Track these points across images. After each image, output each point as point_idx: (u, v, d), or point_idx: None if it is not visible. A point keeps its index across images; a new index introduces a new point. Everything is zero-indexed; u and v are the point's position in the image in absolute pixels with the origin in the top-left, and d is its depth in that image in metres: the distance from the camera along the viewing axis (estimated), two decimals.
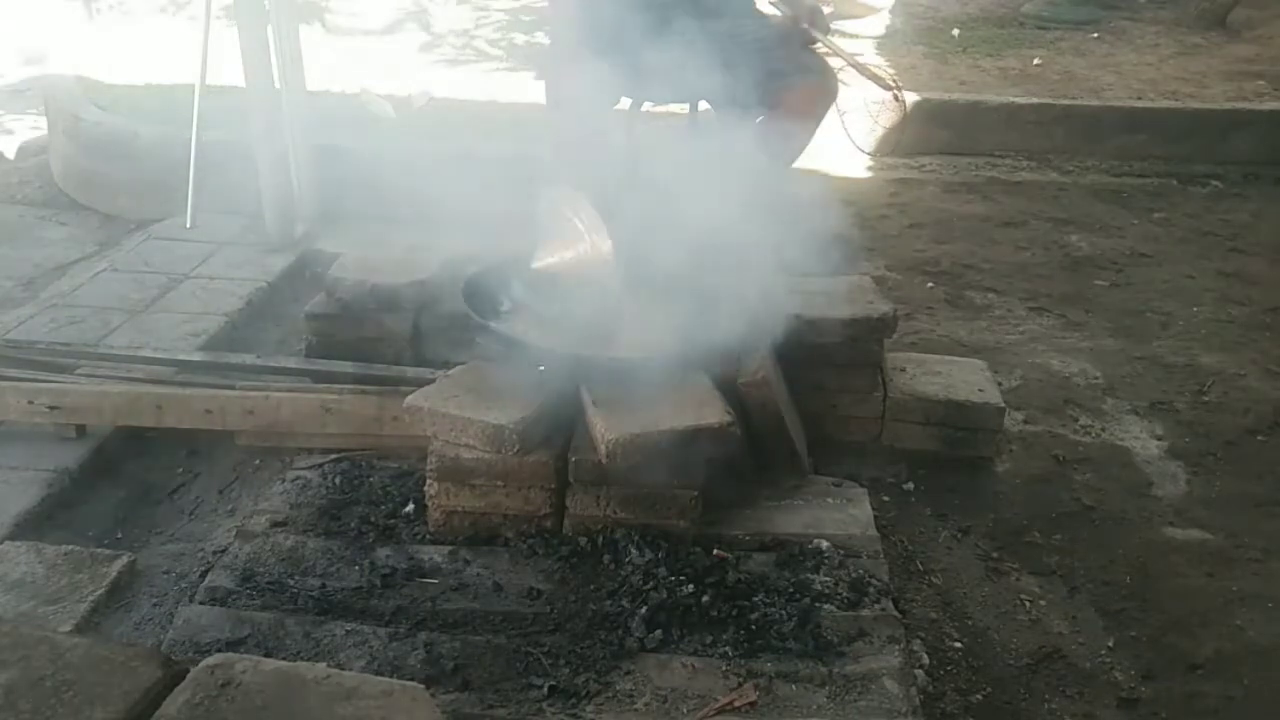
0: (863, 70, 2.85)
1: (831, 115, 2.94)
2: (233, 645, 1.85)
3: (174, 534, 2.34)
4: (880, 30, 6.58)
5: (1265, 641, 2.09)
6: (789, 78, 2.75)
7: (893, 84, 2.86)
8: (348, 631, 1.89)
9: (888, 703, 1.76)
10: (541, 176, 2.58)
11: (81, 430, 2.51)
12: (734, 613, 1.92)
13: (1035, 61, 5.95)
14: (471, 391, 2.16)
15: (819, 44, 2.89)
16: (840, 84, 2.92)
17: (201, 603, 1.97)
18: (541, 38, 6.03)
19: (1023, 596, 2.22)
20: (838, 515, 2.24)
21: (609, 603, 1.95)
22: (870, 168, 4.89)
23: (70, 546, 2.14)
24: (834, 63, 2.96)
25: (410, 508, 2.24)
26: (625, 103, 3.39)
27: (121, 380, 2.57)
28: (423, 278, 2.64)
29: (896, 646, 1.88)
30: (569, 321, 2.36)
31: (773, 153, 2.73)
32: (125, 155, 4.09)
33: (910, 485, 2.54)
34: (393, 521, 2.21)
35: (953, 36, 6.48)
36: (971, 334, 3.32)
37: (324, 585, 2.01)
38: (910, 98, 5.02)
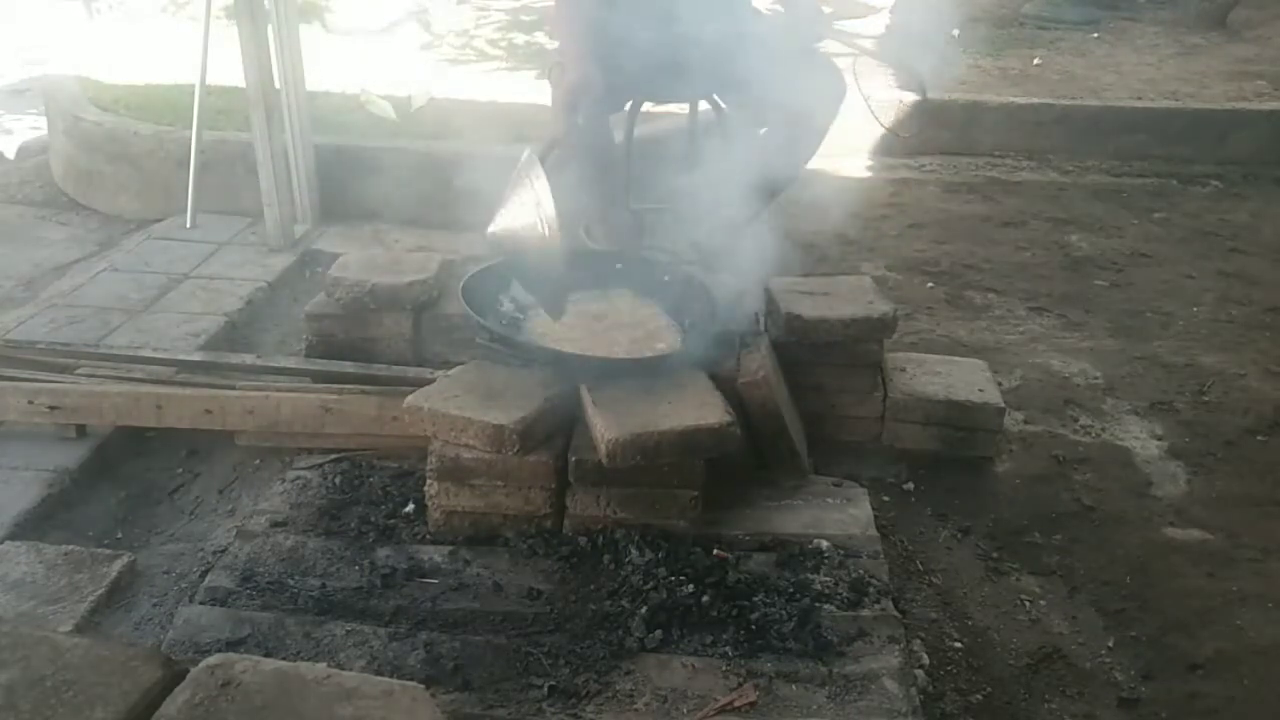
0: (883, 59, 2.84)
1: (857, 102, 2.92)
2: (233, 645, 1.85)
3: (174, 534, 2.34)
4: (880, 30, 6.58)
5: (1265, 641, 2.09)
6: (796, 79, 2.75)
7: (918, 79, 2.85)
8: (348, 631, 1.89)
9: (888, 703, 1.76)
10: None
11: (81, 430, 2.51)
12: (734, 613, 1.92)
13: (1035, 61, 5.95)
14: (471, 391, 2.16)
15: (830, 41, 2.88)
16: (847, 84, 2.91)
17: (201, 603, 1.97)
18: (542, 37, 6.03)
19: (1023, 596, 2.22)
20: (838, 515, 2.24)
21: (609, 603, 1.95)
22: (870, 167, 4.89)
23: (70, 546, 2.14)
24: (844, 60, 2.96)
25: (410, 508, 2.24)
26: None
27: (121, 380, 2.57)
28: (423, 278, 2.64)
29: (896, 646, 1.88)
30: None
31: (783, 157, 2.72)
32: (125, 155, 4.09)
33: (910, 485, 2.54)
34: (393, 521, 2.21)
35: (953, 36, 6.47)
36: (971, 334, 3.32)
37: (324, 585, 2.01)
38: (911, 96, 5.04)
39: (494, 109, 4.51)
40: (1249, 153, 4.93)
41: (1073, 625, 2.14)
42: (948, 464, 2.57)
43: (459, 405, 2.10)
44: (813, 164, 4.68)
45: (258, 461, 2.54)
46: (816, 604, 1.96)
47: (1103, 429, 2.81)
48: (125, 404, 2.48)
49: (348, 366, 2.60)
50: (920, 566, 2.29)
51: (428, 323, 2.67)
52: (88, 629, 1.94)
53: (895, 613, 1.98)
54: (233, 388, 2.53)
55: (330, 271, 2.69)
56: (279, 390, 2.50)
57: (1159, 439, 2.77)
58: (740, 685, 1.78)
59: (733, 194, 2.56)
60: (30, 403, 2.47)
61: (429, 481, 2.15)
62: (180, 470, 2.55)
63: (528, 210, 2.25)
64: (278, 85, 3.60)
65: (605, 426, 2.02)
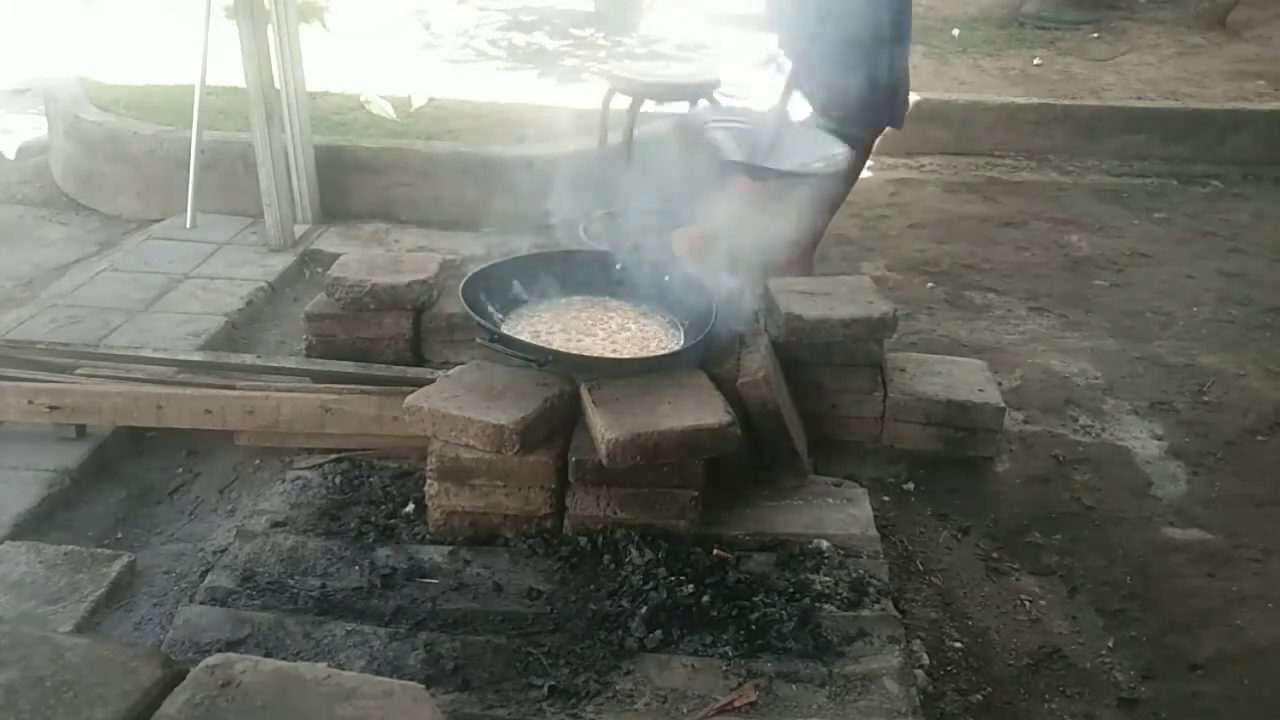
0: None
1: None
2: (233, 645, 1.85)
3: (174, 534, 2.34)
4: None
5: (1265, 641, 2.09)
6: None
7: None
8: (348, 631, 1.89)
9: (888, 703, 1.76)
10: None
11: (81, 430, 2.51)
12: (734, 613, 1.92)
13: (1035, 61, 5.96)
14: (471, 391, 2.16)
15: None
16: None
17: (201, 603, 1.97)
18: (542, 37, 6.04)
19: (1023, 596, 2.22)
20: (838, 515, 2.24)
21: (609, 603, 1.95)
22: (870, 167, 4.88)
23: (70, 546, 2.14)
24: None
25: (410, 508, 2.24)
26: (625, 101, 3.40)
27: (121, 380, 2.57)
28: (423, 278, 2.64)
29: (896, 646, 1.88)
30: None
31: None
32: (125, 155, 4.09)
33: (910, 485, 2.54)
34: (393, 521, 2.21)
35: (953, 36, 6.48)
36: (971, 334, 3.32)
37: (324, 585, 2.01)
38: (911, 97, 5.04)
39: (494, 109, 4.52)
40: (1249, 153, 4.94)
41: (1073, 625, 2.14)
42: (948, 464, 2.57)
43: (459, 405, 2.10)
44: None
45: (258, 461, 2.54)
46: (816, 604, 1.96)
47: (1103, 429, 2.81)
48: (125, 404, 2.48)
49: (348, 366, 2.60)
50: (920, 566, 2.29)
51: (428, 323, 2.67)
52: (88, 629, 1.94)
53: (895, 613, 1.98)
54: (233, 388, 2.52)
55: (330, 271, 2.69)
56: (279, 390, 2.50)
57: (1159, 439, 2.77)
58: (740, 685, 1.78)
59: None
60: (30, 403, 2.46)
61: (429, 481, 2.15)
62: (180, 470, 2.55)
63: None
64: (278, 85, 3.60)
65: (605, 426, 2.02)
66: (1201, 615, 2.16)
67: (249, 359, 2.73)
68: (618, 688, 1.77)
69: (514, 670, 1.81)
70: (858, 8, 2.61)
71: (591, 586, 2.00)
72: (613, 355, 2.32)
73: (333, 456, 2.44)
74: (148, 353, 2.74)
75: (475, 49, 5.77)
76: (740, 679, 1.79)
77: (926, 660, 1.99)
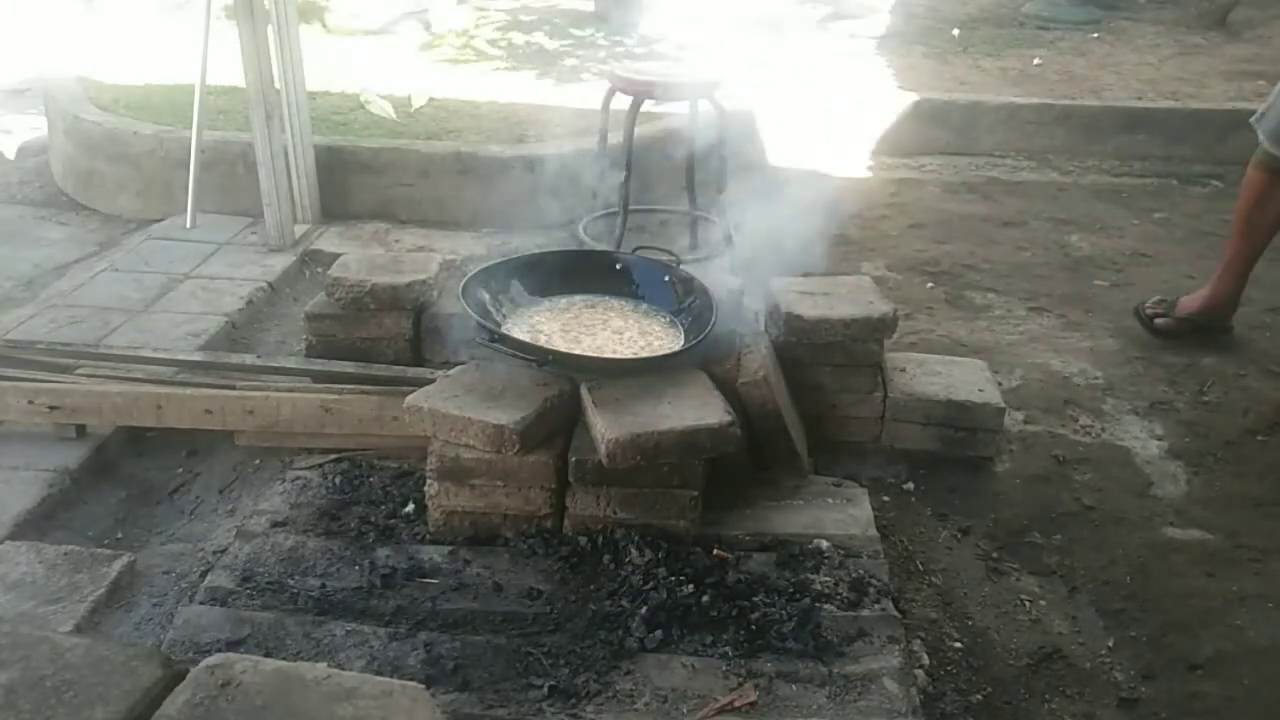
0: None
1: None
2: (233, 645, 1.85)
3: (174, 534, 2.34)
4: (880, 30, 6.59)
5: (1265, 641, 2.09)
6: None
7: None
8: (348, 631, 1.89)
9: (888, 703, 1.76)
10: None
11: (81, 430, 2.51)
12: (734, 613, 1.92)
13: (1035, 61, 5.96)
14: (471, 391, 2.16)
15: None
16: None
17: (201, 603, 1.97)
18: (541, 37, 6.03)
19: (1023, 596, 2.22)
20: (838, 515, 2.24)
21: (609, 603, 1.95)
22: (870, 167, 4.89)
23: (70, 546, 2.14)
24: None
25: (410, 508, 2.24)
26: (625, 101, 3.40)
27: (121, 380, 2.57)
28: (423, 278, 2.64)
29: (896, 646, 1.88)
30: None
31: None
32: (125, 155, 4.09)
33: (910, 485, 2.54)
34: (393, 521, 2.21)
35: (953, 36, 6.48)
36: (971, 334, 3.31)
37: (324, 585, 2.01)
38: (911, 97, 5.05)
39: (494, 109, 4.52)
40: (1249, 153, 4.91)
41: (1073, 625, 2.14)
42: (948, 464, 2.57)
43: (459, 405, 2.10)
44: (812, 164, 4.69)
45: (258, 461, 2.54)
46: (816, 604, 1.96)
47: (1103, 429, 2.81)
48: (125, 404, 2.48)
49: (348, 366, 2.60)
50: (920, 566, 2.29)
51: (428, 323, 2.68)
52: (88, 629, 1.94)
53: (895, 613, 1.98)
54: (233, 388, 2.53)
55: (330, 271, 2.69)
56: (279, 390, 2.50)
57: (1159, 439, 2.77)
58: (740, 685, 1.78)
59: None
60: (30, 403, 2.47)
61: (429, 481, 2.15)
62: (180, 470, 2.55)
63: None
64: (278, 85, 3.60)
65: (605, 426, 2.02)
66: (1201, 615, 2.16)
67: (249, 359, 2.73)
68: (618, 688, 1.77)
69: (514, 670, 1.81)
70: None
71: (591, 586, 2.00)
72: (613, 355, 2.32)
73: (333, 456, 2.44)
74: (148, 353, 2.74)
75: (475, 49, 5.76)
76: (740, 679, 1.79)
77: (926, 660, 1.99)
